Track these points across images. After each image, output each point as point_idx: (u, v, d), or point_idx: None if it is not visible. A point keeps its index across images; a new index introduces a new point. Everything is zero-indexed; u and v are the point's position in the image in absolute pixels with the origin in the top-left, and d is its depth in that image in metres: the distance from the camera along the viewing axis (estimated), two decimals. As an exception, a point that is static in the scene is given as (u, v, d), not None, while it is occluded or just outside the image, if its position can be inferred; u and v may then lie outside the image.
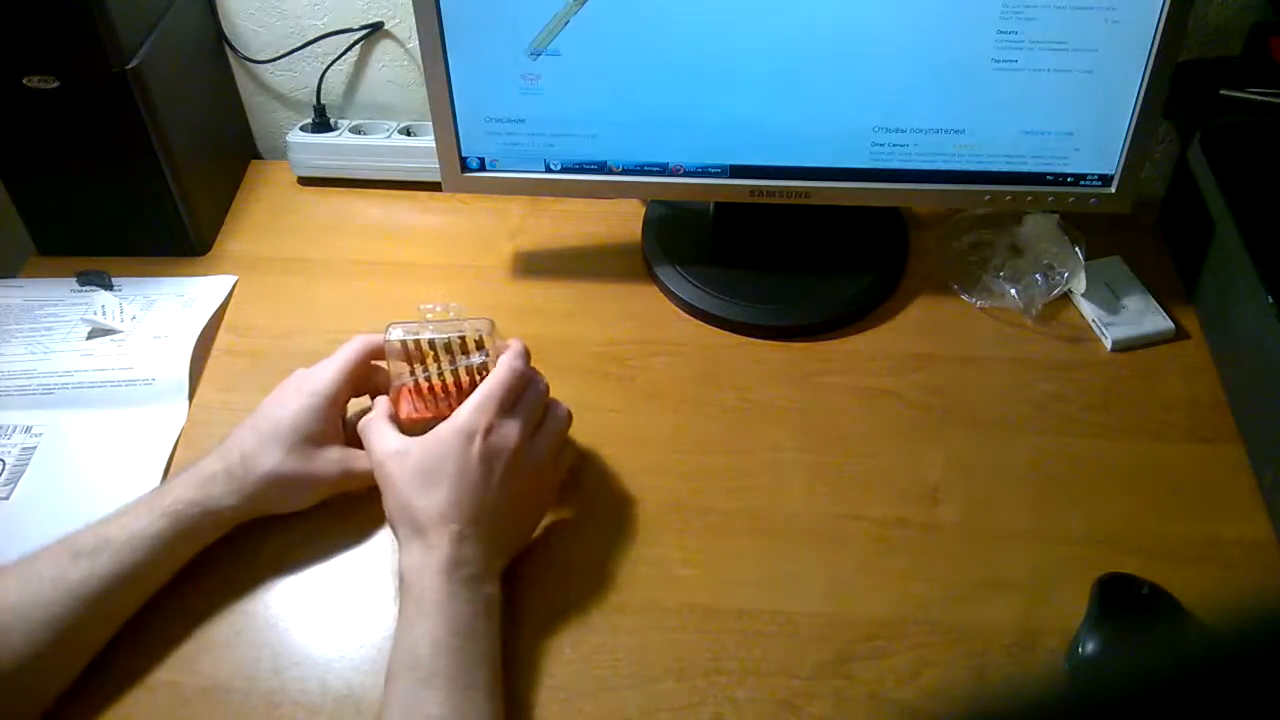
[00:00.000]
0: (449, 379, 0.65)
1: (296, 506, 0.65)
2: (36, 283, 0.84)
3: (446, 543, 0.57)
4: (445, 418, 0.61)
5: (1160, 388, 0.76)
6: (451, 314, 0.66)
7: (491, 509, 0.59)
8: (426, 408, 0.66)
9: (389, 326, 0.65)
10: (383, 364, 0.67)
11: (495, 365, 0.63)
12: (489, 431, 0.59)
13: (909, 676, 0.59)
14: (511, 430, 0.60)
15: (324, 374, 0.65)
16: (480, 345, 0.65)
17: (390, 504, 0.60)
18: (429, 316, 0.66)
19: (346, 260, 0.88)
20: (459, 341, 0.65)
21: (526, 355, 0.64)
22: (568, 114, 0.76)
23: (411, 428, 0.63)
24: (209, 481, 0.62)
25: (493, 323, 0.65)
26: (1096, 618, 0.59)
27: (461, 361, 0.65)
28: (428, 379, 0.66)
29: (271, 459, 0.62)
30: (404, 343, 0.65)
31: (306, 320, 0.82)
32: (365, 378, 0.68)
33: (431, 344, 0.65)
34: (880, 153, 0.76)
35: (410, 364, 0.65)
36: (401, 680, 0.54)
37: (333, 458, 0.64)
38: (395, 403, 0.66)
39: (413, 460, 0.59)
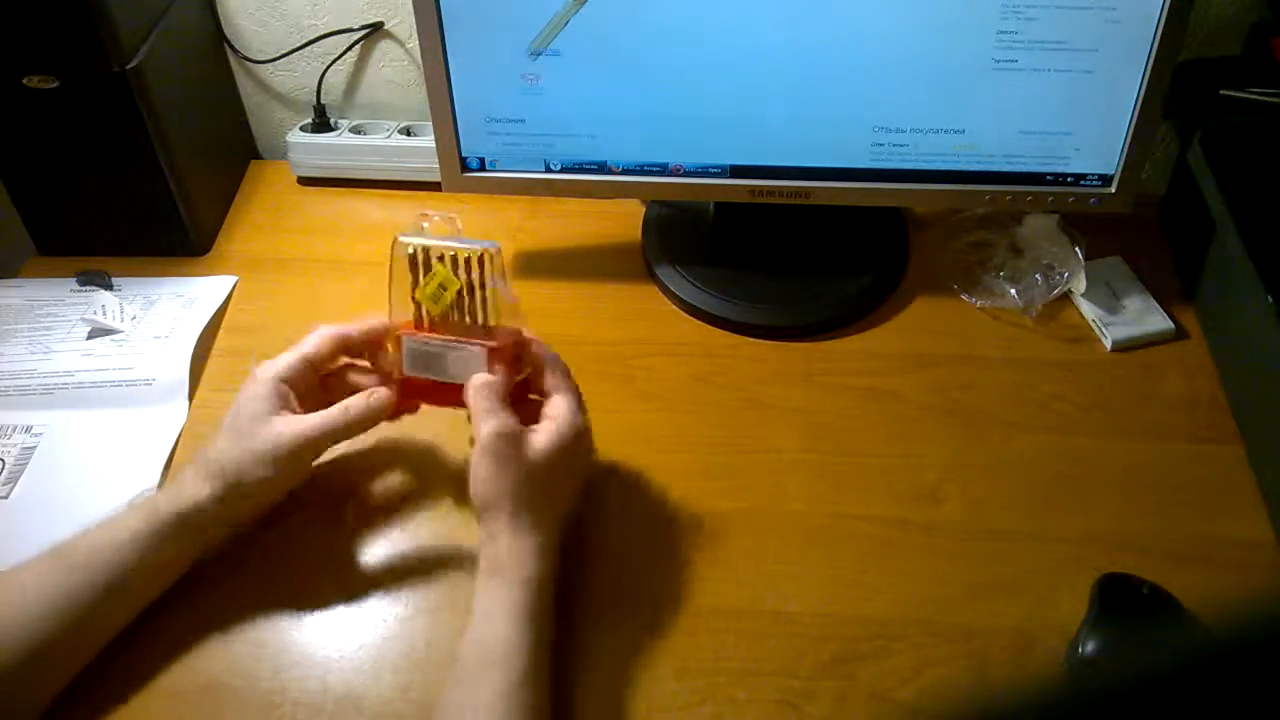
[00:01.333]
0: (456, 299, 0.63)
1: (273, 493, 0.63)
2: (36, 283, 0.84)
3: (541, 529, 0.59)
4: (450, 339, 0.62)
5: (1160, 388, 0.76)
6: (455, 223, 0.64)
7: (541, 497, 0.60)
8: (430, 326, 0.64)
9: (398, 236, 0.63)
10: (359, 361, 0.67)
11: (503, 290, 0.62)
12: (587, 430, 0.63)
13: (909, 676, 0.59)
14: (589, 430, 0.64)
15: (278, 359, 0.64)
16: (482, 265, 0.62)
17: (495, 485, 0.59)
18: (425, 226, 0.64)
19: (346, 260, 0.88)
20: (466, 258, 0.62)
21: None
22: (568, 114, 0.76)
23: (410, 338, 0.63)
24: (182, 482, 0.61)
25: (499, 245, 0.63)
26: (1096, 618, 0.59)
27: (477, 277, 0.62)
28: (435, 294, 0.63)
29: (231, 446, 0.61)
30: (412, 253, 0.62)
31: (306, 320, 0.81)
32: (330, 365, 0.66)
33: (440, 256, 0.62)
34: (880, 153, 0.76)
35: (415, 272, 0.63)
36: (495, 673, 0.54)
37: (278, 429, 0.61)
38: (394, 315, 0.64)
39: (542, 448, 0.60)
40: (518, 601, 0.56)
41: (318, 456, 0.63)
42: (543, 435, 0.60)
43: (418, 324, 0.64)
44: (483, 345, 0.63)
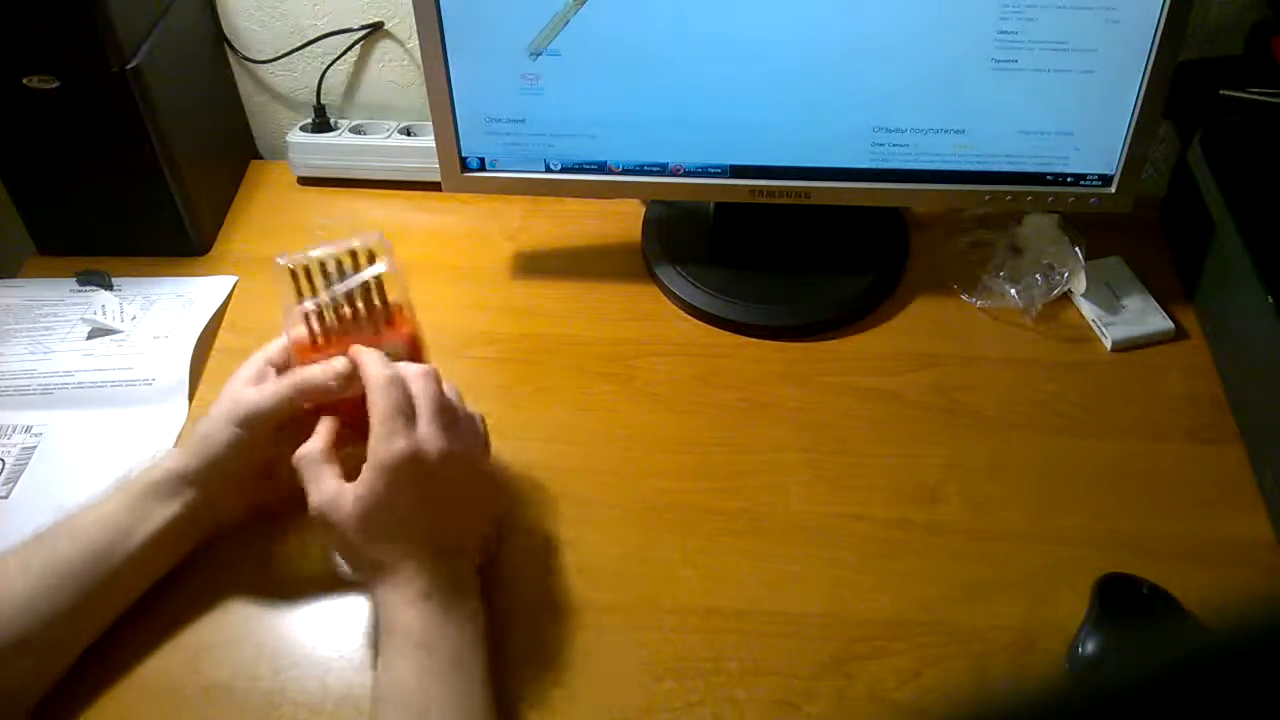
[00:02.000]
0: (343, 302, 0.61)
1: (241, 458, 0.61)
2: (36, 283, 0.84)
3: (413, 574, 0.56)
4: (345, 349, 0.60)
5: (1160, 388, 0.76)
6: (352, 242, 0.62)
7: (446, 523, 0.58)
8: (326, 339, 0.62)
9: (276, 257, 0.62)
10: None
11: (391, 274, 0.61)
12: (410, 453, 0.56)
13: (909, 676, 0.59)
14: (428, 437, 0.57)
15: (272, 343, 0.65)
16: (372, 259, 0.61)
17: (340, 550, 0.60)
18: (320, 232, 0.63)
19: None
20: (349, 257, 0.61)
21: (382, 359, 0.60)
22: (567, 114, 0.76)
23: (310, 359, 0.61)
24: (164, 457, 0.62)
25: (382, 234, 0.62)
26: (1096, 618, 0.59)
27: (354, 279, 0.61)
28: (319, 306, 0.61)
29: (211, 410, 0.62)
30: (292, 269, 0.61)
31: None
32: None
33: (322, 265, 0.61)
34: (880, 153, 0.76)
35: (299, 292, 0.61)
36: (391, 718, 0.54)
37: (244, 393, 0.61)
38: (297, 347, 0.63)
39: (351, 508, 0.56)
40: (423, 662, 0.54)
41: (272, 422, 0.61)
42: (358, 484, 0.57)
43: (312, 343, 0.62)
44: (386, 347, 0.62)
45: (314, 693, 0.59)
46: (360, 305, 0.62)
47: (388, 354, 0.61)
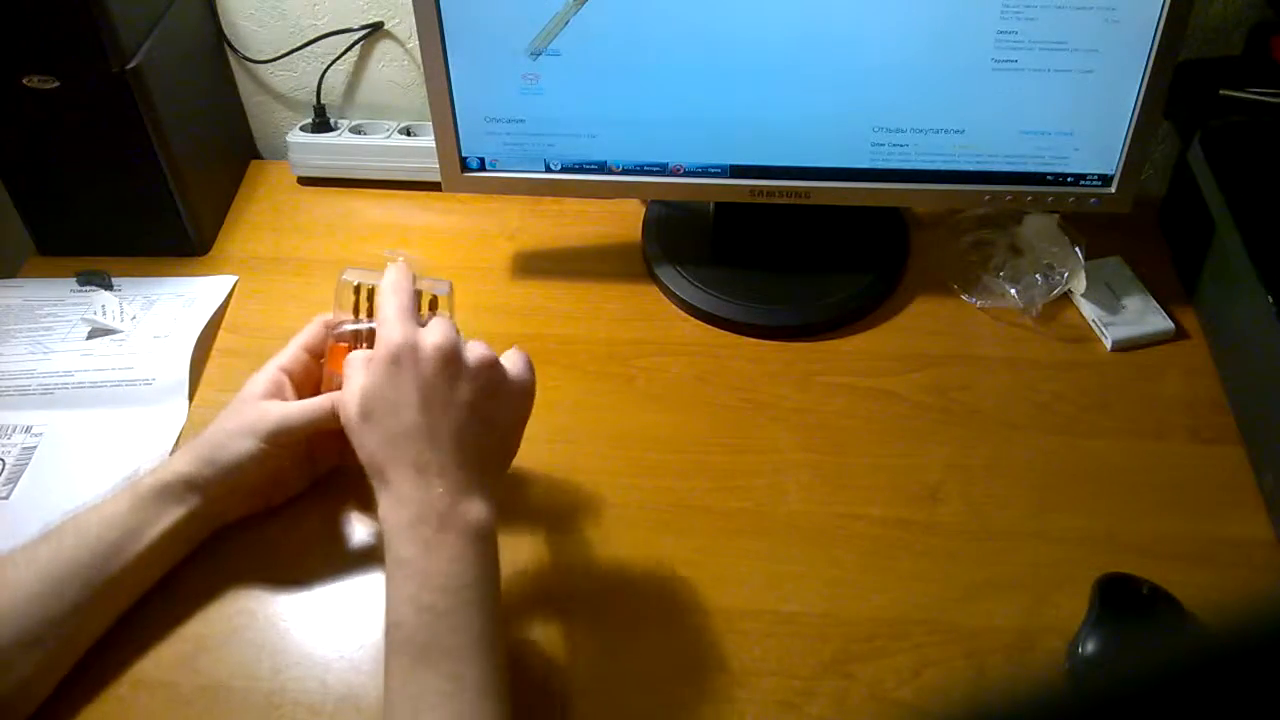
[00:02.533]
0: None
1: (254, 470, 0.62)
2: (36, 283, 0.84)
3: (411, 485, 0.53)
4: None
5: (1160, 388, 0.76)
6: (421, 281, 0.63)
7: (451, 426, 0.54)
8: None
9: (346, 268, 0.63)
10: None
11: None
12: (413, 345, 0.54)
13: (909, 676, 0.59)
14: (437, 332, 0.55)
15: (284, 349, 0.66)
16: (434, 307, 0.62)
17: (357, 451, 0.56)
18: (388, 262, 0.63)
19: (346, 260, 0.87)
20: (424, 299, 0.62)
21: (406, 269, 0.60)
22: (568, 114, 0.76)
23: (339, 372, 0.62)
24: (170, 458, 0.62)
25: (451, 285, 0.62)
26: (1096, 618, 0.59)
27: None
28: (363, 331, 0.62)
29: (220, 422, 0.63)
30: (357, 287, 0.62)
31: (306, 320, 0.82)
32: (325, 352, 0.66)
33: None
34: (880, 153, 0.76)
35: (356, 312, 0.63)
36: (396, 657, 0.51)
37: (265, 407, 0.62)
38: (329, 357, 0.64)
39: (351, 402, 0.55)
40: (422, 597, 0.51)
41: (297, 440, 0.63)
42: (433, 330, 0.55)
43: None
44: None
45: (314, 693, 0.59)
46: None
47: None
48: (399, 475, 0.53)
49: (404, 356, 0.54)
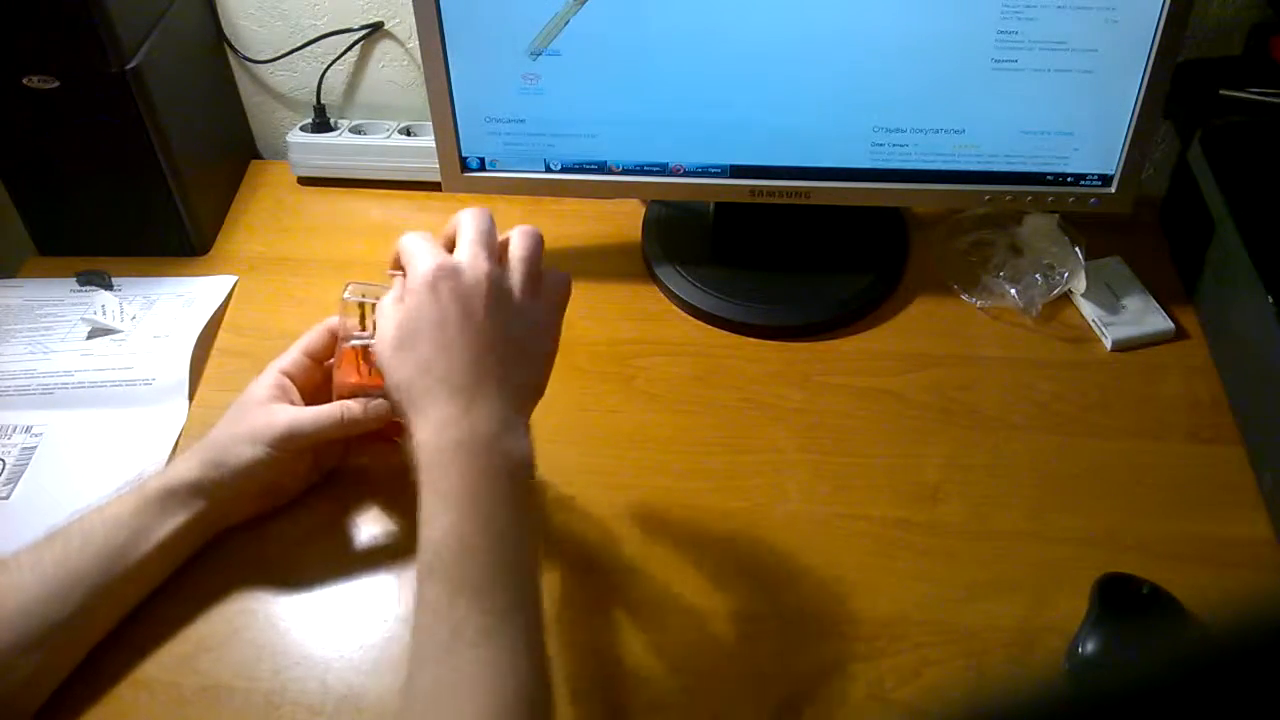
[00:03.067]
0: None
1: (260, 476, 0.62)
2: (36, 283, 0.84)
3: (452, 408, 0.50)
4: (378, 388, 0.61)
5: (1160, 388, 0.76)
6: None
7: (486, 353, 0.52)
8: (371, 373, 0.63)
9: (348, 283, 0.64)
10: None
11: None
12: (453, 268, 0.53)
13: (909, 676, 0.59)
14: (476, 258, 0.53)
15: (286, 353, 0.66)
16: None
17: (388, 387, 0.54)
18: (390, 273, 0.63)
19: (346, 260, 0.88)
20: None
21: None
22: (568, 114, 0.76)
23: (352, 393, 0.63)
24: (174, 462, 0.63)
25: None
26: (1096, 618, 0.59)
27: None
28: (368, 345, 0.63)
29: (225, 426, 0.63)
30: (361, 303, 0.63)
31: (306, 320, 0.81)
32: (328, 357, 0.67)
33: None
34: (880, 153, 0.76)
35: (363, 323, 0.64)
36: (432, 585, 0.48)
37: (272, 412, 0.62)
38: (338, 365, 0.64)
39: (388, 328, 0.53)
40: (460, 526, 0.49)
41: (304, 447, 0.63)
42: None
43: (355, 371, 0.64)
44: None
45: (314, 693, 0.59)
46: None
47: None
48: (438, 399, 0.51)
49: (441, 282, 0.52)
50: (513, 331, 0.53)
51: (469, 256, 0.54)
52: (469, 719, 0.45)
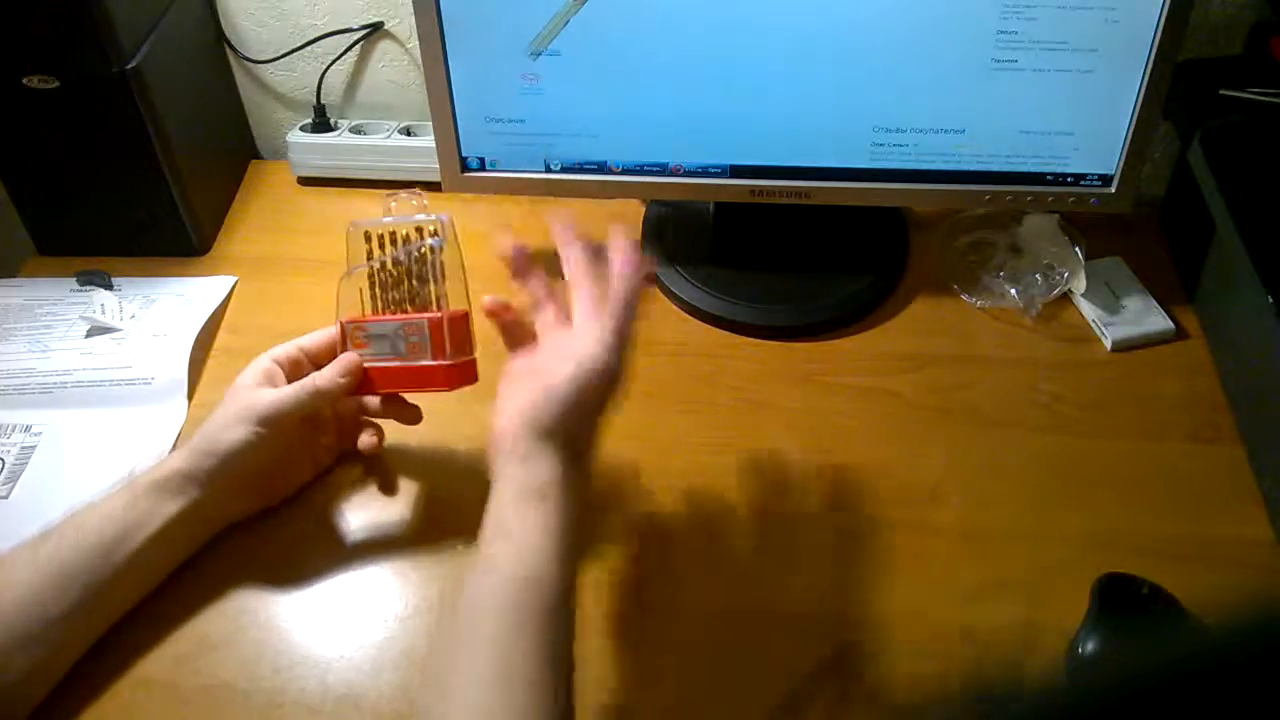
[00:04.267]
0: (394, 269, 0.65)
1: (249, 458, 0.62)
2: (36, 282, 0.84)
3: (585, 464, 0.57)
4: (388, 315, 0.63)
5: (1160, 388, 0.76)
6: (416, 200, 0.66)
7: (588, 428, 0.59)
8: (374, 304, 0.65)
9: (353, 220, 0.66)
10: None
11: (446, 262, 0.64)
12: (609, 372, 0.58)
13: (909, 676, 0.59)
14: (616, 354, 0.59)
15: (282, 345, 0.66)
16: (435, 234, 0.64)
17: (540, 408, 0.56)
18: (393, 205, 0.66)
19: (346, 260, 0.87)
20: (416, 232, 0.65)
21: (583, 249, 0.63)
22: (568, 114, 0.76)
23: (355, 328, 0.64)
24: (169, 456, 0.63)
25: (450, 218, 0.65)
26: (1096, 618, 0.59)
27: (413, 247, 0.64)
28: (381, 265, 0.65)
29: (214, 413, 0.63)
30: (366, 232, 0.65)
31: (306, 320, 0.81)
32: (327, 359, 0.66)
33: (391, 233, 0.65)
34: (880, 153, 0.76)
35: (369, 255, 0.65)
36: (502, 615, 0.51)
37: (255, 394, 0.63)
38: (348, 295, 0.65)
39: (587, 377, 0.56)
40: (560, 529, 0.53)
41: (288, 424, 0.63)
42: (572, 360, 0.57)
43: (361, 310, 0.66)
44: (425, 317, 0.64)
45: (314, 693, 0.59)
46: (414, 281, 0.65)
47: (408, 328, 0.64)
48: (586, 456, 0.57)
49: (597, 379, 0.57)
50: (601, 404, 0.59)
51: (613, 353, 0.58)
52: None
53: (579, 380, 0.56)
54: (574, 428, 0.56)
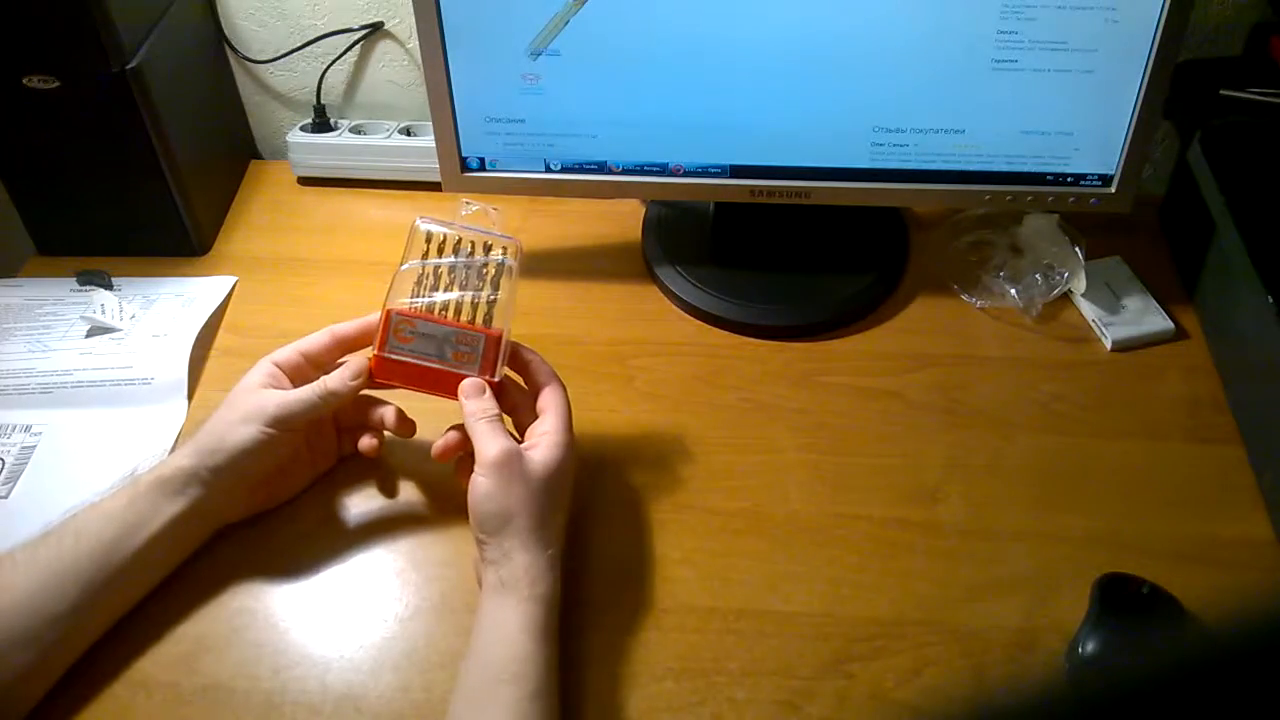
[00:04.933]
0: (448, 274, 0.65)
1: (252, 459, 0.62)
2: (36, 282, 0.84)
3: (556, 562, 0.59)
4: (431, 319, 0.63)
5: (1160, 388, 0.76)
6: (490, 214, 0.66)
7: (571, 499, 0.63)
8: (414, 306, 0.65)
9: (418, 217, 0.66)
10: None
11: (506, 284, 0.65)
12: (570, 455, 0.62)
13: (909, 676, 0.59)
14: (570, 443, 0.63)
15: (281, 349, 0.66)
16: (505, 251, 0.65)
17: (506, 506, 0.58)
18: (463, 214, 0.66)
19: (346, 260, 0.88)
20: (483, 248, 0.65)
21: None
22: (568, 114, 0.76)
23: (401, 319, 0.64)
24: (172, 455, 0.63)
25: (520, 242, 0.66)
26: (1096, 618, 0.59)
27: (476, 260, 0.65)
28: (435, 267, 0.65)
29: (217, 414, 0.63)
30: (429, 233, 0.65)
31: (306, 320, 0.81)
32: (326, 362, 0.66)
33: (458, 240, 0.65)
34: (880, 153, 0.76)
35: (425, 253, 0.65)
36: (508, 690, 0.54)
37: (261, 395, 0.63)
38: (400, 286, 0.65)
39: (547, 474, 0.60)
40: (534, 617, 0.56)
41: (297, 425, 0.63)
42: (544, 450, 0.61)
43: (414, 309, 0.65)
44: (484, 332, 0.64)
45: (314, 693, 0.59)
46: (462, 290, 0.65)
47: (461, 337, 0.64)
48: (555, 551, 0.59)
49: (567, 467, 0.62)
50: (569, 480, 0.63)
51: (568, 446, 0.63)
52: None
53: (559, 456, 0.61)
54: (552, 506, 0.60)
